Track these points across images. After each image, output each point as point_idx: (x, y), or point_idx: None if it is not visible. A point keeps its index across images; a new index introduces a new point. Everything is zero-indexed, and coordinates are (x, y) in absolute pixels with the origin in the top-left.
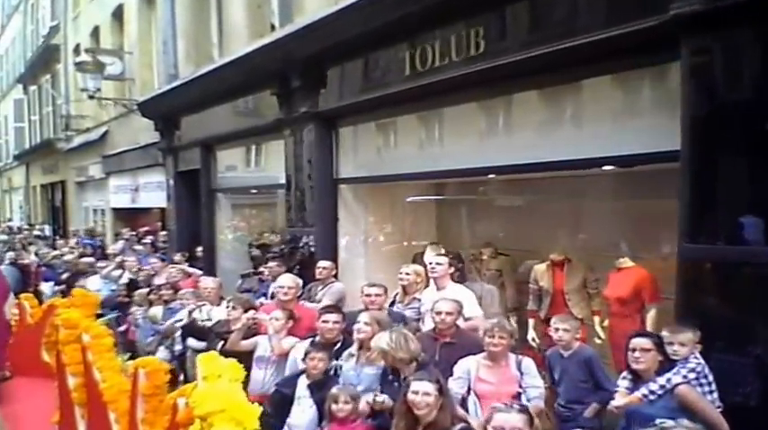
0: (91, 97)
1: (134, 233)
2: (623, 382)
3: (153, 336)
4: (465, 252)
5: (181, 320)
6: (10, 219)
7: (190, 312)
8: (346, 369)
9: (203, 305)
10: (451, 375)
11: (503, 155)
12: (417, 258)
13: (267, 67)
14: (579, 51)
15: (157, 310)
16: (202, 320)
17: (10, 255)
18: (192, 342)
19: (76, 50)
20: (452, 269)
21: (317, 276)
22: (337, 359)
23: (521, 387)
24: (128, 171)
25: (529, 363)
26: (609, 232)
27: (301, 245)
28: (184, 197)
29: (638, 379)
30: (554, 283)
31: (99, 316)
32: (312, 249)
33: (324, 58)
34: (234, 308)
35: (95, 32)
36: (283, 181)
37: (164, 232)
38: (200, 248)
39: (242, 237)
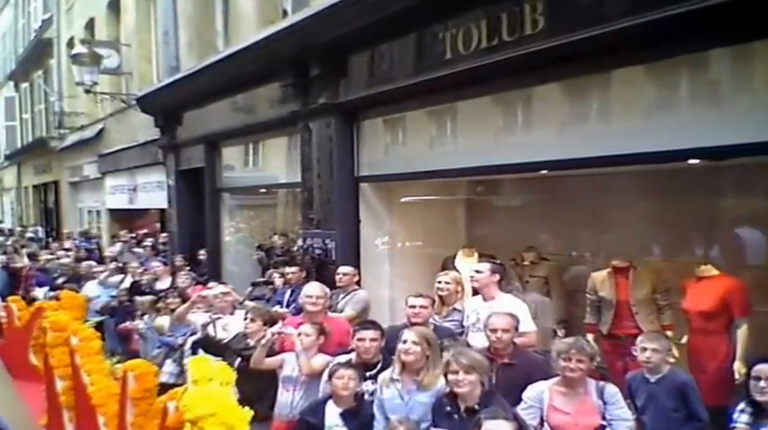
0: (87, 91)
1: (133, 235)
2: (742, 417)
3: (159, 349)
4: (500, 256)
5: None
6: (1, 221)
7: (203, 326)
8: (390, 396)
9: (218, 318)
10: (514, 403)
11: (559, 148)
12: (448, 263)
13: (281, 55)
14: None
15: (164, 320)
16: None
17: (1, 258)
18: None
19: (70, 44)
20: (497, 277)
21: (338, 283)
22: (374, 382)
23: (604, 418)
24: (125, 170)
25: (613, 391)
26: (673, 235)
27: (318, 249)
28: (186, 197)
29: (761, 412)
30: (617, 293)
31: (98, 324)
32: (331, 254)
33: (345, 43)
34: (252, 320)
35: (90, 25)
36: (298, 179)
37: (164, 234)
38: (202, 251)
39: (246, 239)
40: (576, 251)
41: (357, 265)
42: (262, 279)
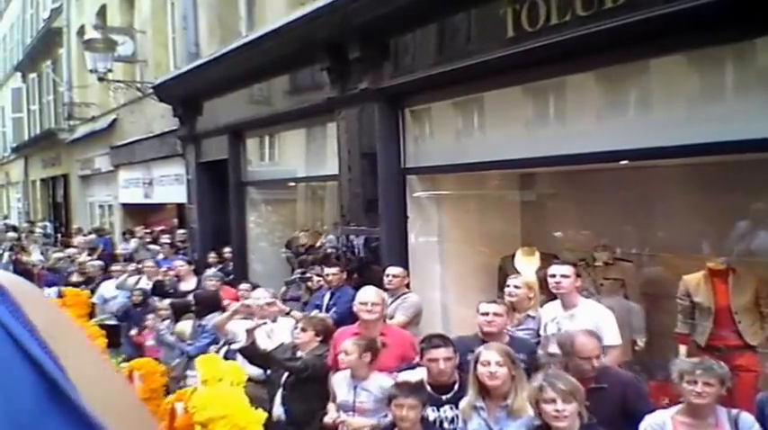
0: (101, 79)
1: (149, 231)
2: None
3: (181, 357)
4: (562, 256)
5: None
6: (6, 217)
7: (248, 332)
8: (476, 428)
9: (263, 323)
10: None
11: (629, 136)
12: (506, 264)
13: (316, 37)
14: None
15: (186, 326)
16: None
17: (7, 255)
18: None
19: (81, 33)
20: (579, 281)
21: (387, 286)
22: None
23: None
24: (140, 163)
25: (749, 422)
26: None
27: (360, 247)
28: (208, 191)
29: None
30: (716, 299)
31: (114, 327)
32: (377, 253)
33: (389, 22)
34: (303, 329)
35: (102, 12)
36: (334, 171)
37: (182, 230)
38: (227, 249)
39: (272, 236)
40: (654, 250)
41: (405, 266)
42: (298, 275)
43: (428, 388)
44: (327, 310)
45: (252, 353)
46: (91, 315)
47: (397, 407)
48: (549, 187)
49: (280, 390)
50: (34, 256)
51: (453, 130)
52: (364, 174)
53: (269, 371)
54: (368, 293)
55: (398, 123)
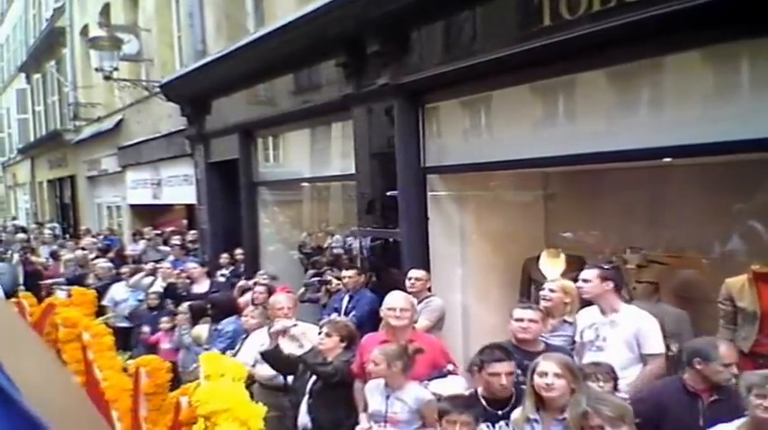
0: (107, 78)
1: (158, 232)
2: None
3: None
4: (590, 258)
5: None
6: (15, 218)
7: (275, 334)
8: None
9: (294, 325)
10: None
11: (670, 133)
12: (529, 266)
13: (331, 31)
14: None
15: (202, 330)
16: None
17: (16, 256)
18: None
19: (84, 32)
20: (610, 284)
21: (408, 289)
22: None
23: None
24: (148, 163)
25: None
26: None
27: (379, 249)
28: (218, 191)
29: None
30: (762, 304)
31: (125, 329)
32: (397, 256)
33: (410, 14)
34: (328, 334)
35: (105, 11)
36: (351, 170)
37: (192, 231)
38: (239, 250)
39: (284, 236)
40: (688, 252)
41: (426, 268)
42: (316, 278)
43: (482, 402)
44: (347, 314)
45: (274, 358)
46: (99, 314)
47: (449, 424)
48: (574, 186)
49: (305, 399)
50: (44, 257)
51: (477, 127)
52: (382, 173)
53: (290, 379)
54: (396, 298)
55: (418, 120)
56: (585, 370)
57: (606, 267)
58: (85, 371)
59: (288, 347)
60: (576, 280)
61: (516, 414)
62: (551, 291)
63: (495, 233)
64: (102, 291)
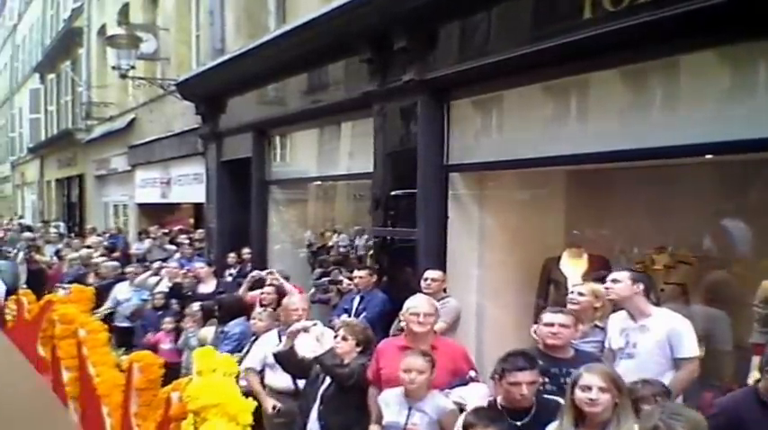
0: (123, 76)
1: (166, 231)
2: None
3: None
4: (614, 259)
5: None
6: (21, 216)
7: (290, 336)
8: None
9: (314, 324)
10: None
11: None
12: (550, 266)
13: (355, 28)
14: None
15: (208, 332)
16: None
17: (21, 254)
18: (273, 378)
19: (102, 32)
20: (640, 286)
21: (424, 289)
22: None
23: None
24: (158, 162)
25: None
26: None
27: (395, 249)
28: (229, 190)
29: None
30: None
31: (127, 329)
32: (414, 256)
33: (441, 8)
34: (344, 338)
35: (124, 11)
36: (368, 169)
37: (199, 230)
38: (246, 250)
39: (292, 235)
40: (718, 252)
41: (443, 269)
42: (326, 278)
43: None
44: (357, 315)
45: (288, 359)
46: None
47: None
48: (595, 184)
49: (316, 404)
50: (48, 256)
51: (503, 125)
52: (401, 171)
53: (301, 383)
54: (420, 302)
55: (443, 117)
56: (639, 392)
57: (636, 269)
58: (79, 366)
59: (303, 348)
60: (602, 280)
61: (553, 428)
62: (580, 294)
63: (514, 232)
64: (103, 290)
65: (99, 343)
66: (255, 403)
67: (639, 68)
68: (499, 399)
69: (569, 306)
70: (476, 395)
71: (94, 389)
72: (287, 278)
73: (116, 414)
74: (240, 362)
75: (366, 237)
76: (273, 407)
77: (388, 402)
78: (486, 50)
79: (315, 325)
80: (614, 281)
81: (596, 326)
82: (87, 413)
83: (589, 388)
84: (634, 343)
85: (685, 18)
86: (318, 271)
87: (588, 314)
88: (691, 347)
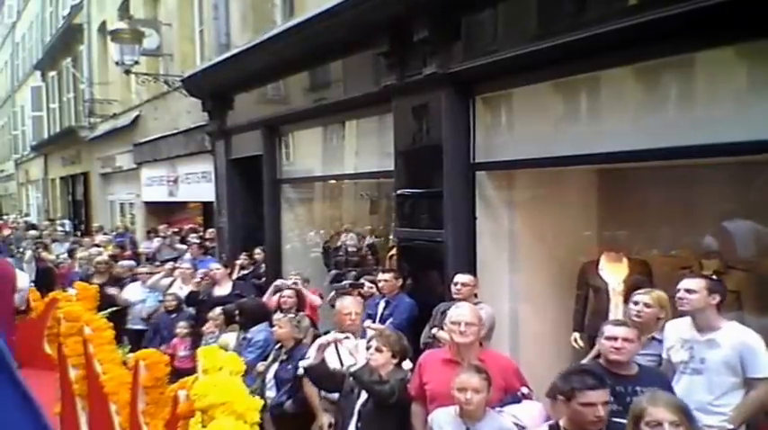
0: (127, 72)
1: (176, 230)
2: None
3: None
4: (654, 263)
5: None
6: (27, 214)
7: (320, 348)
8: None
9: (346, 337)
10: None
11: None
12: (588, 271)
13: (373, 18)
14: None
15: (230, 338)
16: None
17: (28, 253)
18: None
19: (102, 29)
20: (717, 298)
21: (454, 295)
22: None
23: None
24: (165, 160)
25: None
26: None
27: (421, 251)
28: (239, 189)
29: None
30: None
31: (141, 332)
32: (441, 258)
33: None
34: (378, 349)
35: (124, 6)
36: (388, 167)
37: (210, 230)
38: (258, 250)
39: (304, 235)
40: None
41: (473, 273)
42: (347, 282)
43: None
44: (383, 321)
45: (319, 373)
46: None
47: None
48: (630, 184)
49: (353, 420)
50: (55, 255)
51: (534, 120)
52: (424, 170)
53: (336, 395)
54: (462, 311)
55: (469, 112)
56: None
57: (712, 278)
58: (86, 364)
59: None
60: (642, 286)
61: None
62: (647, 305)
63: (546, 234)
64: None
65: (105, 340)
66: (262, 401)
67: (687, 59)
68: (563, 423)
69: (633, 318)
70: (530, 414)
71: (102, 386)
72: (307, 281)
73: (124, 412)
74: (266, 370)
75: (382, 237)
76: (330, 425)
77: (442, 424)
78: (517, 41)
79: (347, 337)
80: (689, 291)
81: (654, 338)
82: (95, 411)
83: (659, 423)
84: (701, 358)
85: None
86: (333, 272)
87: (651, 326)
88: (760, 367)
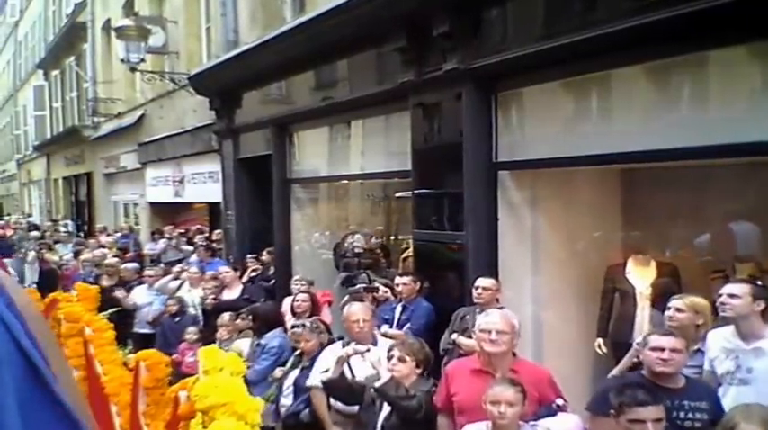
0: (133, 70)
1: (182, 231)
2: None
3: None
4: (689, 267)
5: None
6: (29, 215)
7: (340, 361)
8: None
9: (366, 350)
10: None
11: None
12: (614, 274)
13: (390, 12)
14: None
15: (243, 344)
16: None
17: (31, 253)
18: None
19: (106, 27)
20: (762, 304)
21: (475, 299)
22: None
23: None
24: (170, 160)
25: None
26: None
27: (441, 254)
28: (247, 189)
29: None
30: None
31: (147, 335)
32: (462, 261)
33: None
34: (401, 359)
35: (129, 4)
36: (405, 167)
37: (217, 231)
38: (266, 251)
39: (313, 237)
40: None
41: (495, 276)
42: (361, 285)
43: None
44: (400, 326)
45: (339, 387)
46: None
47: None
48: (660, 183)
49: None
50: (59, 256)
51: (558, 118)
52: (443, 169)
53: (352, 408)
54: (491, 319)
55: (491, 110)
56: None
57: (757, 283)
58: (87, 365)
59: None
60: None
61: None
62: (678, 310)
63: (570, 236)
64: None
65: (105, 341)
66: (263, 402)
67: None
68: None
69: (667, 324)
70: (566, 427)
71: (102, 387)
72: (311, 283)
73: (125, 413)
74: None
75: (394, 238)
76: None
77: None
78: (540, 35)
79: (368, 350)
80: (732, 296)
81: (699, 350)
82: (96, 412)
83: None
84: (748, 367)
85: None
86: (343, 274)
87: (689, 333)
88: None
